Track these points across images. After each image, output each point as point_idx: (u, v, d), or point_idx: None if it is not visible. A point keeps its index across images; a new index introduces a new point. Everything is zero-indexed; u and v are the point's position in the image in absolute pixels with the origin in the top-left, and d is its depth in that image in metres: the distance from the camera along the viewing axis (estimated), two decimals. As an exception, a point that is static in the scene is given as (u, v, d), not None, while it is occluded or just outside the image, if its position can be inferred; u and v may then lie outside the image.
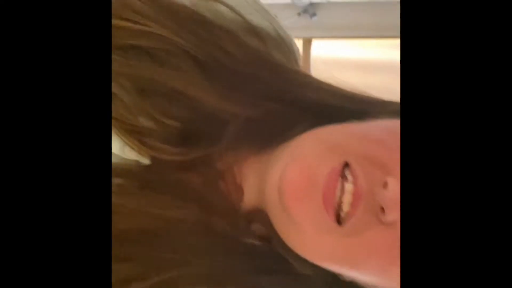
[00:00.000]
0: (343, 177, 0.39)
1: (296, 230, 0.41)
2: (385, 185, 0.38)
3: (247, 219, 0.44)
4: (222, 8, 0.47)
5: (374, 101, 0.47)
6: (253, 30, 0.48)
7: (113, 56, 0.40)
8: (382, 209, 0.38)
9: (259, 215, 0.44)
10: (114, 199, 0.38)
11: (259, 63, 0.45)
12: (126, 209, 0.40)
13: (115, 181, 0.40)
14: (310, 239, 0.40)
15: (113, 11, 0.39)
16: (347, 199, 0.39)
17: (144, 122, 0.41)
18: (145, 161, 0.42)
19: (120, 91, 0.41)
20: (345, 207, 0.39)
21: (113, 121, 0.40)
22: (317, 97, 0.45)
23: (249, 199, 0.45)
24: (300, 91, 0.45)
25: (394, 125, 0.42)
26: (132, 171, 0.42)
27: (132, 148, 0.41)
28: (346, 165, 0.39)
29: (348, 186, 0.39)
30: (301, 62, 0.53)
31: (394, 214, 0.38)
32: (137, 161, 0.42)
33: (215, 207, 0.43)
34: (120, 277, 0.37)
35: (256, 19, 0.49)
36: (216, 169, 0.44)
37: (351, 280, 0.44)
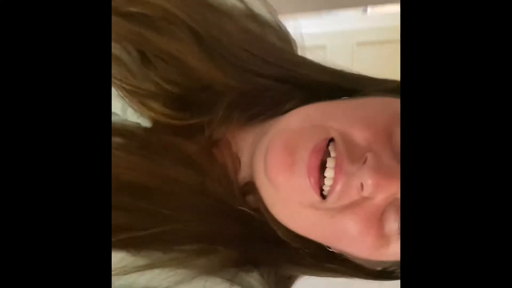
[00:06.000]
0: (326, 153, 0.40)
1: (281, 202, 0.42)
2: (365, 160, 0.39)
3: (242, 191, 0.46)
4: None
5: (365, 79, 0.49)
6: (253, 16, 0.51)
7: (117, 20, 0.42)
8: (362, 184, 0.39)
9: (252, 187, 0.45)
10: (115, 155, 0.40)
11: (255, 42, 0.48)
12: (126, 163, 0.42)
13: (116, 140, 0.42)
14: (295, 211, 0.42)
15: None
16: (329, 174, 0.40)
17: (146, 85, 0.43)
18: (146, 124, 0.44)
19: (123, 54, 0.43)
20: (328, 182, 0.40)
21: (116, 83, 0.42)
22: (309, 75, 0.47)
23: (244, 171, 0.46)
24: (293, 69, 0.47)
25: (382, 102, 0.44)
26: (133, 132, 0.44)
27: (133, 109, 0.44)
28: (331, 140, 0.41)
29: (331, 162, 0.40)
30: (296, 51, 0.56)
31: (371, 188, 0.38)
32: (138, 124, 0.44)
33: (210, 174, 0.44)
34: (119, 223, 0.39)
35: (257, 8, 0.52)
36: (211, 138, 0.45)
37: (339, 252, 0.45)
